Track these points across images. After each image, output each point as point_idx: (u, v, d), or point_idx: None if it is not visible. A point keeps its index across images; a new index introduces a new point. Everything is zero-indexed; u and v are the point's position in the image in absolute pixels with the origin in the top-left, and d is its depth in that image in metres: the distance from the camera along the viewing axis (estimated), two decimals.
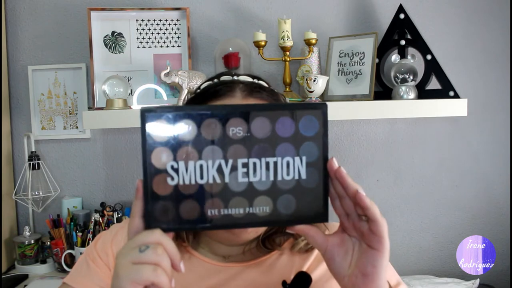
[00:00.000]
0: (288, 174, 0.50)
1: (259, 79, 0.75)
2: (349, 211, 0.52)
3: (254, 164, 0.49)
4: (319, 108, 0.50)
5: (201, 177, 0.49)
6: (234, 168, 0.49)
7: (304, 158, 0.50)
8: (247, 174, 0.49)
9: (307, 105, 0.51)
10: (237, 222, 0.50)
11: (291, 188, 0.50)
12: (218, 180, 0.49)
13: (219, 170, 0.49)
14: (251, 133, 0.49)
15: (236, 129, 0.49)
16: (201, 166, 0.49)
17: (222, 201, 0.49)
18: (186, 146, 0.48)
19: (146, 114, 0.48)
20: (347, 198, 0.51)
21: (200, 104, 0.71)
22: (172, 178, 0.48)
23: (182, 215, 0.49)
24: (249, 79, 0.74)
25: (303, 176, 0.50)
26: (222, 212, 0.49)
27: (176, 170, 0.48)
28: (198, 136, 0.48)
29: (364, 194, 0.50)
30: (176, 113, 0.48)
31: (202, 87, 0.75)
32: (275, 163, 0.50)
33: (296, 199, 0.50)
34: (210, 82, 0.75)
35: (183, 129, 0.48)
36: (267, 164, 0.50)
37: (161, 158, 0.48)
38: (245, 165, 0.49)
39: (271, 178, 0.50)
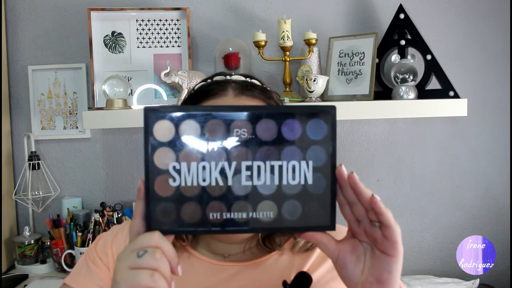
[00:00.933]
0: (294, 178, 0.48)
1: (252, 77, 0.75)
2: (360, 217, 0.50)
3: (259, 167, 0.48)
4: (328, 111, 0.48)
5: (204, 179, 0.47)
6: (237, 171, 0.48)
7: (311, 163, 0.48)
8: (251, 177, 0.48)
9: (315, 108, 0.49)
10: (239, 227, 0.48)
11: (297, 193, 0.48)
12: (220, 183, 0.48)
13: (222, 173, 0.48)
14: (256, 135, 0.48)
15: (240, 131, 0.47)
16: (203, 168, 0.47)
17: (225, 205, 0.48)
18: (189, 146, 0.47)
19: (150, 114, 0.47)
20: (358, 204, 0.49)
21: (194, 104, 0.72)
22: (174, 179, 0.47)
23: (184, 218, 0.48)
24: (242, 78, 0.74)
25: (310, 181, 0.48)
26: (224, 216, 0.48)
27: (178, 171, 0.47)
28: (201, 136, 0.47)
29: (379, 198, 0.48)
30: (180, 113, 0.47)
31: (196, 87, 0.75)
32: (280, 167, 0.48)
33: (302, 205, 0.48)
34: (204, 82, 0.75)
35: (187, 129, 0.47)
36: (272, 167, 0.48)
37: (164, 159, 0.47)
38: (249, 168, 0.48)
39: (276, 182, 0.48)
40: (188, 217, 0.48)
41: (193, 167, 0.47)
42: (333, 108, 0.49)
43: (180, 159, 0.47)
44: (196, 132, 0.47)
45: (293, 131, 0.48)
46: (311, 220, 0.49)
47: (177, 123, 0.47)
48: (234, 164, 0.48)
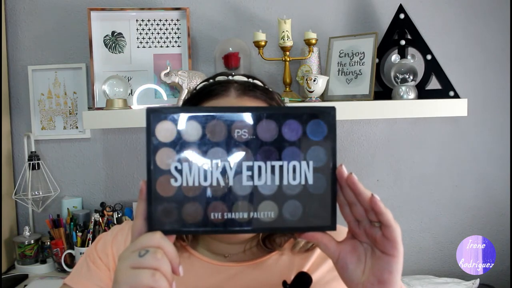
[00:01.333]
0: (294, 178, 0.49)
1: (254, 78, 0.75)
2: (360, 218, 0.51)
3: (259, 167, 0.48)
4: (328, 112, 0.49)
5: (205, 179, 0.48)
6: (238, 171, 0.48)
7: (311, 163, 0.49)
8: (252, 177, 0.48)
9: (315, 109, 0.49)
10: (240, 227, 0.48)
11: (298, 193, 0.49)
12: (222, 183, 0.48)
13: (223, 173, 0.48)
14: (256, 136, 0.48)
15: (241, 132, 0.48)
16: (205, 168, 0.48)
17: (226, 205, 0.48)
18: (190, 147, 0.48)
19: (152, 114, 0.47)
20: (358, 205, 0.50)
21: (196, 104, 0.72)
22: (176, 180, 0.48)
23: (185, 218, 0.48)
24: (244, 79, 0.74)
25: (310, 181, 0.49)
26: (225, 216, 0.48)
27: (180, 171, 0.48)
28: (203, 137, 0.48)
29: (379, 198, 0.48)
30: (182, 114, 0.48)
31: (198, 87, 0.75)
32: (281, 167, 0.48)
33: (302, 205, 0.49)
34: (206, 82, 0.75)
35: (188, 130, 0.48)
36: (273, 167, 0.48)
37: (165, 159, 0.47)
38: (250, 168, 0.48)
39: (277, 182, 0.48)
40: (189, 217, 0.48)
41: (194, 167, 0.48)
42: (333, 109, 0.49)
43: (181, 159, 0.48)
44: (197, 132, 0.48)
45: (294, 132, 0.49)
46: (312, 220, 0.49)
47: (178, 124, 0.48)
48: (235, 164, 0.48)
